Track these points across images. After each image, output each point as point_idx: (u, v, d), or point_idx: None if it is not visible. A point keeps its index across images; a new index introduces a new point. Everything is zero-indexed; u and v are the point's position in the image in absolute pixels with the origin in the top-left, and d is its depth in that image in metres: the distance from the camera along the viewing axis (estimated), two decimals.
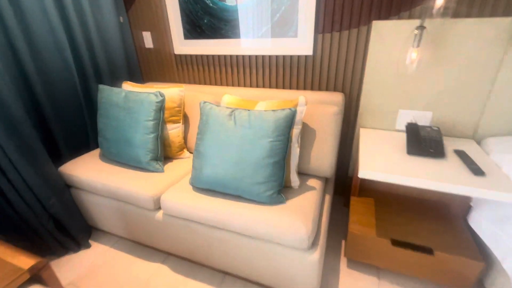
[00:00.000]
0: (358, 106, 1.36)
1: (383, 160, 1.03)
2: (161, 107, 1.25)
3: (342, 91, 1.41)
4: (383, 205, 1.27)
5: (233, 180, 1.03)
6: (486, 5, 1.04)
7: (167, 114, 1.34)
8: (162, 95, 1.24)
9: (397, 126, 1.29)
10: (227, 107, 1.12)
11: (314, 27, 1.31)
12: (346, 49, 1.31)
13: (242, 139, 1.02)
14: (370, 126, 1.34)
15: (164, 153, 1.38)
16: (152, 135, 1.25)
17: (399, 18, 1.17)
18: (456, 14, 1.09)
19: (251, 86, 1.59)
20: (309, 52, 1.36)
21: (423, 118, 1.23)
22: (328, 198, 1.24)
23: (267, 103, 1.19)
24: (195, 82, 1.73)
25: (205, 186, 1.10)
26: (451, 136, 1.23)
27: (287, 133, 1.02)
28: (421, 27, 0.98)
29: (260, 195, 1.01)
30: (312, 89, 1.46)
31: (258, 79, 1.55)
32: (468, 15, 1.08)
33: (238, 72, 1.58)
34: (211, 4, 1.45)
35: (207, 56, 1.61)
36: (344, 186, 1.66)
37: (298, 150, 1.14)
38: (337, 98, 1.32)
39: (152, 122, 1.24)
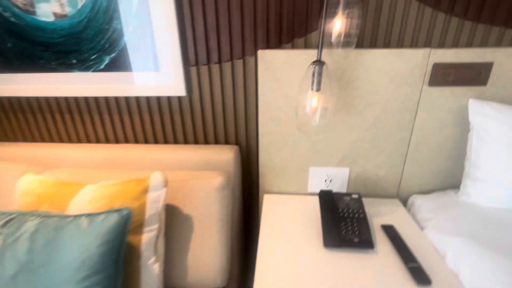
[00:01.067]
0: (259, 162, 0.98)
1: (289, 265, 0.65)
2: None
3: (236, 142, 1.01)
4: None
5: None
6: (391, 32, 0.80)
7: None
8: None
9: (309, 189, 0.95)
10: (2, 213, 0.57)
11: (182, 57, 0.89)
12: (232, 87, 0.93)
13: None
14: (277, 190, 0.97)
15: None
16: None
17: (293, 46, 0.85)
18: (360, 44, 0.82)
19: (106, 141, 1.06)
20: (181, 92, 0.92)
21: (340, 177, 0.92)
22: None
23: (97, 189, 0.68)
24: (15, 139, 1.09)
25: None
26: (373, 196, 0.95)
27: (113, 266, 0.53)
28: (319, 63, 0.65)
29: None
30: (196, 142, 1.03)
31: (117, 131, 1.03)
32: (373, 45, 0.83)
33: (83, 122, 1.03)
34: (13, 19, 0.89)
35: (28, 98, 1.01)
36: None
37: (156, 266, 0.66)
38: (227, 155, 0.91)
39: None
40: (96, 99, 0.99)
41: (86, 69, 0.93)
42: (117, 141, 1.05)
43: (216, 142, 1.02)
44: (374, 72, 0.78)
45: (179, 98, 0.96)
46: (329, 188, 0.94)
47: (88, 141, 1.06)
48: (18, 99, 1.02)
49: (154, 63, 0.90)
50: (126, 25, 0.86)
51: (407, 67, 0.77)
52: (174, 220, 0.76)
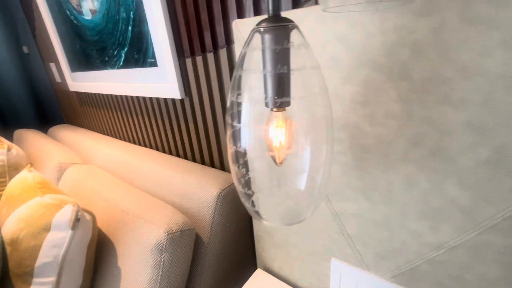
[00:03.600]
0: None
1: None
2: None
3: None
4: None
5: None
6: None
7: None
8: None
9: None
10: None
11: (174, 43, 0.64)
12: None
13: None
14: (278, 271, 0.56)
15: None
16: None
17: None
18: None
19: (136, 142, 1.00)
20: (175, 93, 0.69)
21: None
22: None
23: (33, 206, 0.58)
24: (108, 132, 1.26)
25: None
26: None
27: None
28: (272, 27, 0.22)
29: None
30: (202, 160, 0.77)
31: (137, 131, 0.95)
32: None
33: (118, 119, 1.02)
34: (74, 20, 0.96)
35: (96, 95, 1.12)
36: None
37: None
38: (211, 189, 0.60)
39: None
40: (118, 97, 0.94)
41: (113, 66, 0.88)
42: (138, 142, 0.98)
43: (220, 164, 0.72)
44: None
45: (180, 101, 0.73)
46: None
47: (129, 139, 1.05)
48: (91, 96, 1.15)
49: (152, 56, 0.71)
50: (128, 12, 0.72)
51: None
52: (107, 263, 0.57)
